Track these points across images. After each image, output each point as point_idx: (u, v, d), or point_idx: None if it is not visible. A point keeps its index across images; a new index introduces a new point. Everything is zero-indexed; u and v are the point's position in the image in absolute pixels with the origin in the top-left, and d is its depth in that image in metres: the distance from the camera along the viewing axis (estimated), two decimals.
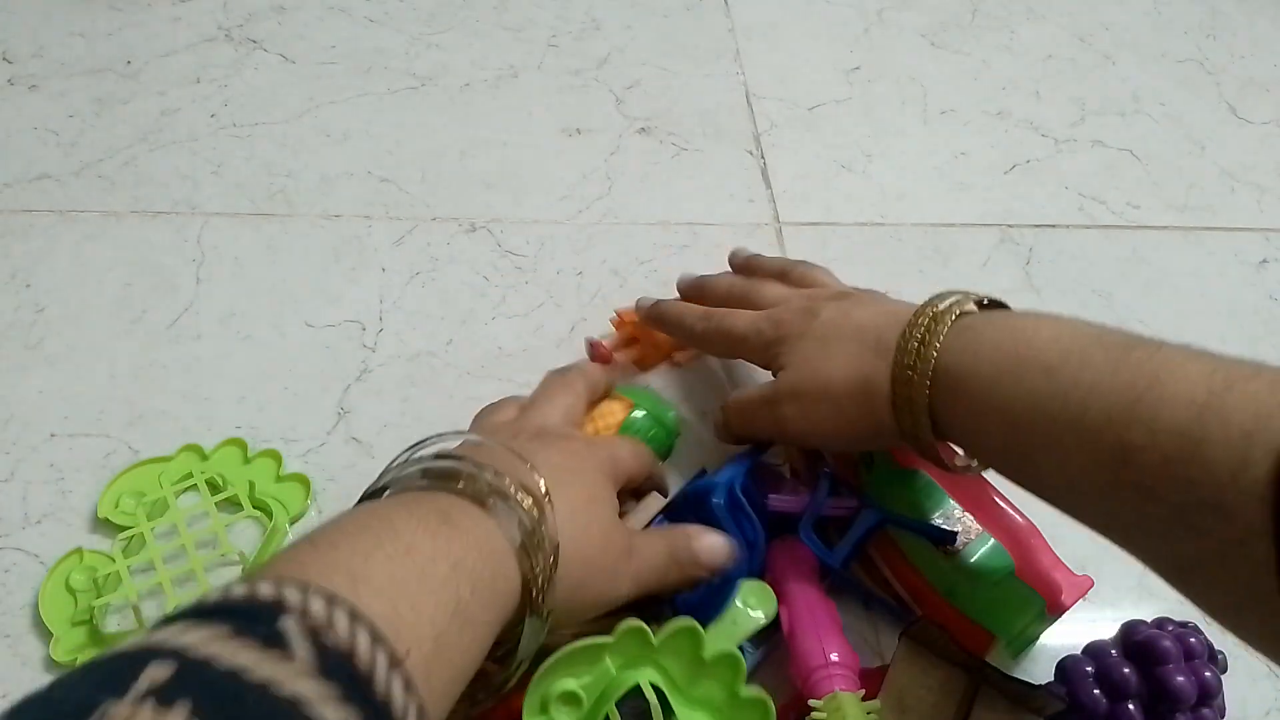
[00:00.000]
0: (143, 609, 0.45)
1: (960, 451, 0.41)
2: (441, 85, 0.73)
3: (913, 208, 0.69)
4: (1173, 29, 0.87)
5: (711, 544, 0.40)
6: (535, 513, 0.33)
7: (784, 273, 0.49)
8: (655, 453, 0.46)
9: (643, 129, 0.72)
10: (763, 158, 0.71)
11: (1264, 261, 0.68)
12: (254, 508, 0.49)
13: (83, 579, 0.46)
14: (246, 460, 0.51)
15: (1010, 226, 0.68)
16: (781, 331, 0.44)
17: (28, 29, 0.73)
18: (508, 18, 0.79)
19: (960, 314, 0.40)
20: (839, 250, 0.65)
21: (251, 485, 0.49)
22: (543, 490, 0.35)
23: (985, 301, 0.42)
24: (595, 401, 0.46)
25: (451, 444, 0.38)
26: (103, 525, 0.48)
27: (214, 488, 0.50)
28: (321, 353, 0.57)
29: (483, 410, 0.45)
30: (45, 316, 0.57)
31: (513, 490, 0.33)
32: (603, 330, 0.58)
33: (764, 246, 0.64)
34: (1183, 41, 0.86)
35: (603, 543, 0.37)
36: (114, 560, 0.46)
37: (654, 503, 0.44)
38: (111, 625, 0.45)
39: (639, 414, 0.47)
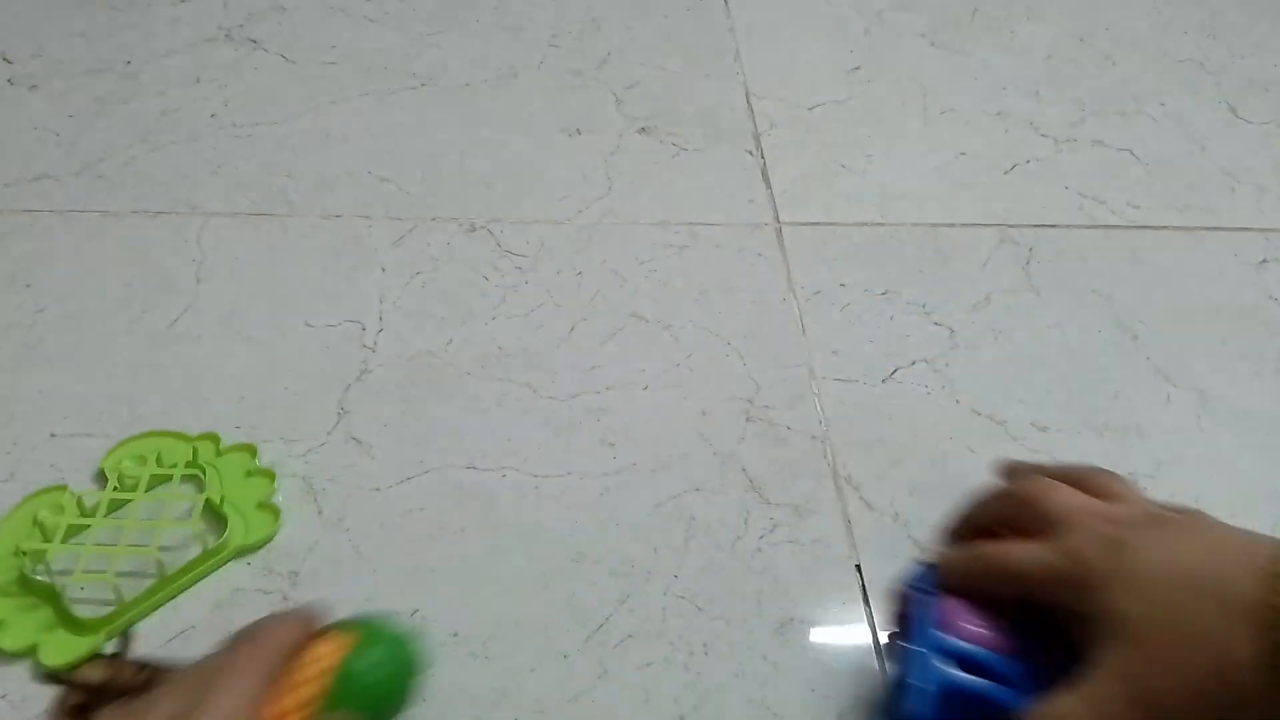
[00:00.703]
0: (66, 580, 0.45)
1: None
2: (441, 85, 0.73)
3: (913, 208, 0.69)
4: (1173, 29, 0.87)
5: None
6: None
7: (1075, 478, 0.39)
8: (393, 703, 0.35)
9: (643, 129, 0.72)
10: (763, 158, 0.71)
11: (1264, 261, 0.68)
12: (215, 515, 0.48)
13: (49, 517, 0.46)
14: (248, 474, 0.50)
15: (1010, 226, 0.68)
16: (1082, 570, 0.34)
17: (28, 29, 0.73)
18: (508, 18, 0.79)
19: None
20: (839, 250, 0.65)
21: (223, 499, 0.49)
22: None
23: None
24: (301, 647, 0.34)
25: None
26: (98, 478, 0.50)
27: (200, 479, 0.50)
28: (321, 353, 0.57)
29: (134, 705, 0.33)
30: (45, 316, 0.57)
31: None
32: (602, 334, 0.58)
33: (764, 246, 0.65)
34: (1183, 41, 0.86)
35: None
36: (80, 512, 0.47)
37: None
38: (38, 574, 0.45)
39: (367, 656, 0.34)
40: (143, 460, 0.50)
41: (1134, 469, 0.55)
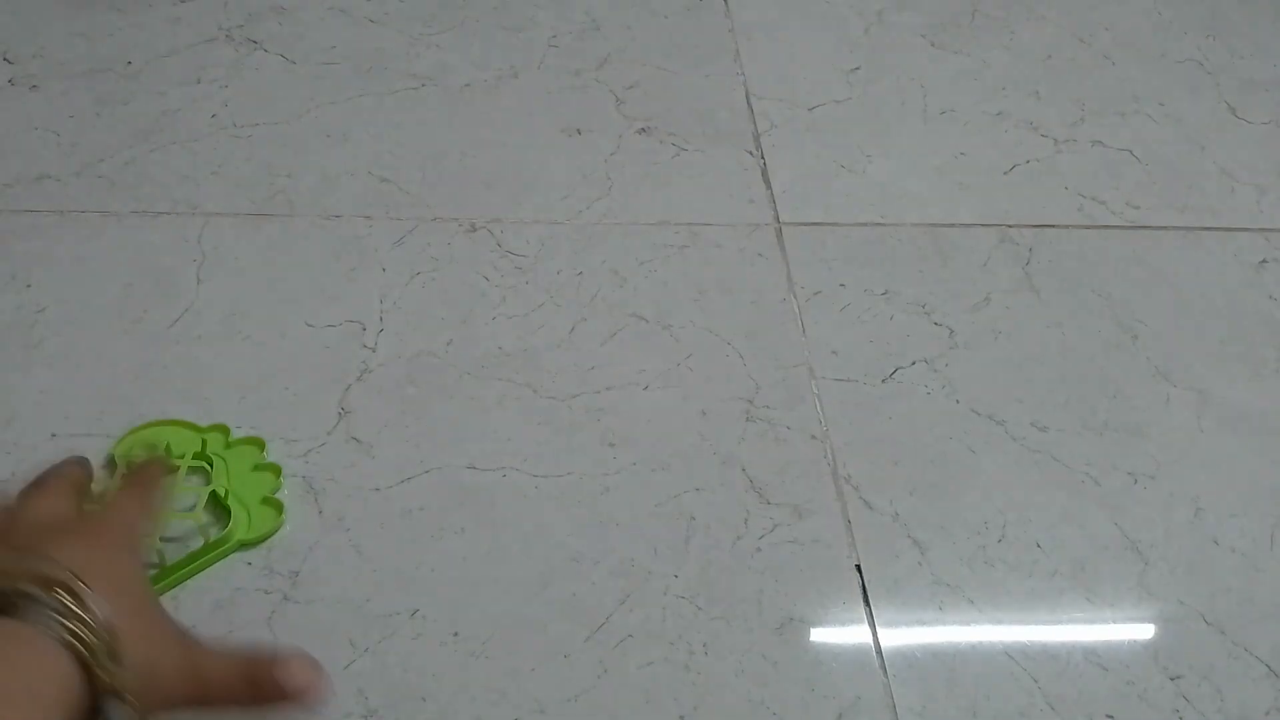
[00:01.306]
0: None
1: None
2: (441, 85, 0.73)
3: (913, 208, 0.69)
4: (1173, 29, 0.87)
5: (298, 669, 0.33)
6: (68, 597, 0.30)
7: None
8: None
9: (643, 129, 0.72)
10: (763, 158, 0.71)
11: (1264, 261, 0.68)
12: (220, 507, 0.49)
13: None
14: (255, 467, 0.51)
15: (1010, 226, 0.68)
16: None
17: (28, 29, 0.73)
18: (508, 18, 0.79)
19: None
20: (838, 250, 0.65)
21: (228, 492, 0.49)
22: (64, 573, 0.31)
23: None
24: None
25: None
26: (108, 464, 0.50)
27: (207, 470, 0.50)
28: (321, 353, 0.57)
29: None
30: (45, 316, 0.57)
31: (33, 585, 0.30)
32: (602, 334, 0.58)
33: (764, 246, 0.65)
34: (1183, 41, 0.86)
35: (153, 616, 0.33)
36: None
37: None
38: None
39: None
40: (152, 449, 0.50)
41: (1134, 469, 0.55)
